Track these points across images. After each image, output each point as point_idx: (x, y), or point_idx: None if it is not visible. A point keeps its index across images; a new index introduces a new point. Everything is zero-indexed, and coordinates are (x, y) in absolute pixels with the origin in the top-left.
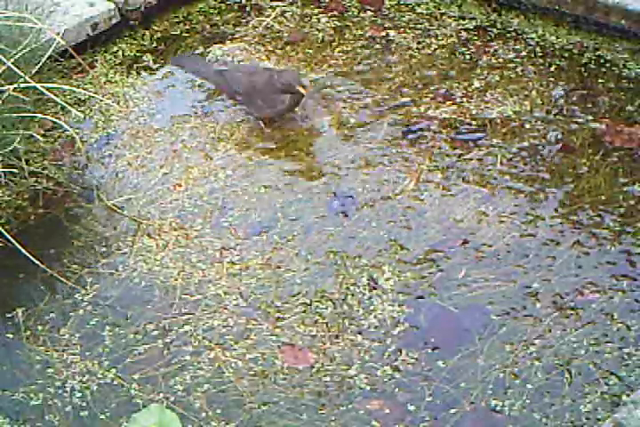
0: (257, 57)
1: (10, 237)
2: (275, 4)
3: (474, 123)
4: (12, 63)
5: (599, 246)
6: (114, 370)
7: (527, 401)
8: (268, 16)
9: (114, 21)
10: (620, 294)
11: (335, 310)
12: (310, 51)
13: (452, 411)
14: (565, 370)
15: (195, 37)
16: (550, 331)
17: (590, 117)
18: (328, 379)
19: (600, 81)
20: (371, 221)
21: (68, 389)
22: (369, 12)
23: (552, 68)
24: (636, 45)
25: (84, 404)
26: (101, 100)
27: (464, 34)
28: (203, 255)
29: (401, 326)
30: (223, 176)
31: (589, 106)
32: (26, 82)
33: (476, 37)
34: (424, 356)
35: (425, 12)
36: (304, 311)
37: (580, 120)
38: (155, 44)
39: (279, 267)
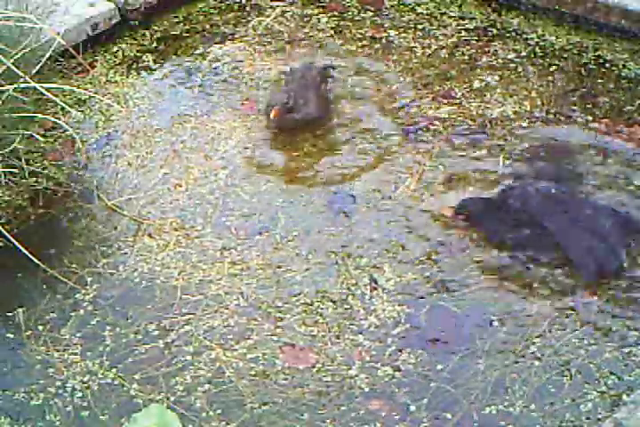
0: (257, 57)
1: (10, 237)
2: (275, 3)
3: (474, 123)
4: (12, 63)
5: None
6: (114, 370)
7: (527, 401)
8: (268, 16)
9: (114, 21)
10: (620, 293)
11: (336, 310)
12: (310, 51)
13: (453, 411)
14: (565, 370)
15: (195, 37)
16: (550, 331)
17: (590, 117)
18: (329, 379)
19: (600, 81)
20: (371, 221)
21: (68, 389)
22: (369, 12)
23: (552, 68)
24: (636, 45)
25: (85, 404)
26: (101, 100)
27: (464, 34)
28: (203, 255)
29: (401, 326)
30: (223, 176)
31: (589, 106)
32: (26, 82)
33: (475, 37)
34: (424, 356)
35: (425, 12)
36: (305, 311)
37: (579, 120)
38: (155, 44)
39: (280, 267)
